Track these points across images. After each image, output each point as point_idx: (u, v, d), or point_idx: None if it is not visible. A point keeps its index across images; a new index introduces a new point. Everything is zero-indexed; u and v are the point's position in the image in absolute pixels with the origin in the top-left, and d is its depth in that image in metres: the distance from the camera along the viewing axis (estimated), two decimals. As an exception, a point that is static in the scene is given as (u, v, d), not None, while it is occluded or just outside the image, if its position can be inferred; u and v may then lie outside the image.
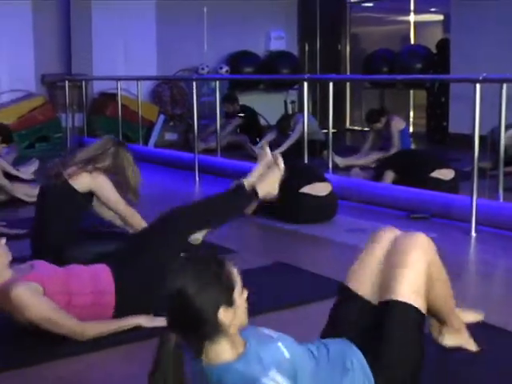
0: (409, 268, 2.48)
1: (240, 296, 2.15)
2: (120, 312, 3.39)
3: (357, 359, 2.36)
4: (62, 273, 3.39)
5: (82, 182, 4.40)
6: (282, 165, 3.92)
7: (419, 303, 2.45)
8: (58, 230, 4.37)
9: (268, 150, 4.07)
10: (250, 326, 2.23)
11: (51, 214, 4.43)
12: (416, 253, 2.53)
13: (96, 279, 3.40)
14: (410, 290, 2.44)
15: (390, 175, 6.76)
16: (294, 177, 5.22)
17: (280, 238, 5.46)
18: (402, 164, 6.87)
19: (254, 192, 3.87)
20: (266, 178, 3.89)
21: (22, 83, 11.18)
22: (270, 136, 9.70)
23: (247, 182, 3.92)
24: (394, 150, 8.37)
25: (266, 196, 3.93)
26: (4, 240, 3.25)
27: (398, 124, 8.80)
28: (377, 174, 6.97)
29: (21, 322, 3.18)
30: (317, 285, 4.15)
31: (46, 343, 3.24)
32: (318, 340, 2.49)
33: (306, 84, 6.91)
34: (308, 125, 7.27)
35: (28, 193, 6.68)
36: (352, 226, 5.64)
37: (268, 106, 12.36)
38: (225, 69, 12.25)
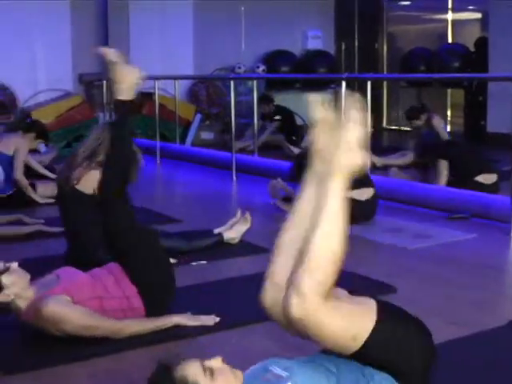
0: None
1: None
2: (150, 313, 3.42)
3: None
4: (87, 278, 3.40)
5: (90, 183, 4.28)
6: None
7: None
8: (85, 231, 4.36)
9: None
10: (258, 367, 2.21)
11: (73, 217, 4.44)
12: None
13: (120, 284, 3.41)
14: None
15: (444, 164, 6.68)
16: None
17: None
18: (454, 155, 6.79)
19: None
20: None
21: (59, 83, 11.27)
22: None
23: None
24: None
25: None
26: (16, 264, 3.24)
27: (439, 122, 8.77)
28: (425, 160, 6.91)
29: (55, 335, 3.20)
30: (353, 283, 4.11)
31: (77, 342, 3.24)
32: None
33: (344, 83, 6.87)
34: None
35: (48, 193, 6.71)
36: (390, 226, 5.60)
37: (304, 106, 12.32)
38: (261, 68, 12.25)
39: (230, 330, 3.41)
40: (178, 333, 3.33)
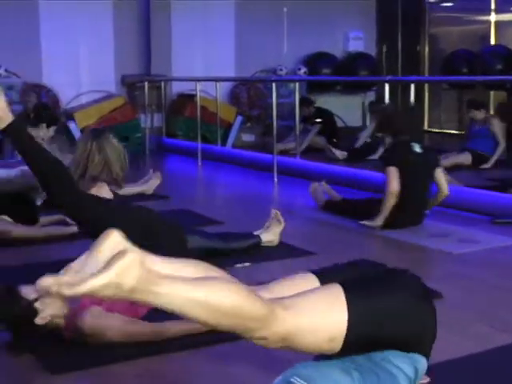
0: None
1: None
2: None
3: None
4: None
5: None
6: None
7: None
8: None
9: None
10: (280, 381, 2.17)
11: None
12: None
13: None
14: None
15: None
16: None
17: (363, 242, 5.41)
18: None
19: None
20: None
21: (102, 84, 11.35)
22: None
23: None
24: (500, 149, 8.37)
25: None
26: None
27: (499, 125, 8.77)
28: None
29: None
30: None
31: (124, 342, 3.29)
32: None
33: (387, 86, 6.84)
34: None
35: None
36: (436, 231, 5.55)
37: (345, 108, 12.32)
38: (303, 70, 12.24)
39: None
40: (221, 336, 3.32)
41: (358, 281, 2.25)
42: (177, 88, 11.82)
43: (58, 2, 10.94)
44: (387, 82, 6.92)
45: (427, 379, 2.52)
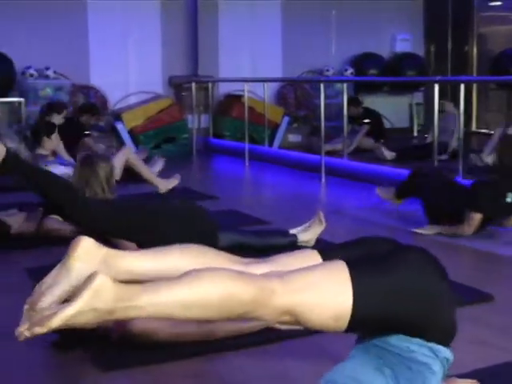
0: None
1: None
2: None
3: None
4: None
5: None
6: None
7: None
8: None
9: None
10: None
11: None
12: None
13: None
14: None
15: None
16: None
17: (419, 243, 5.31)
18: None
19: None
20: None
21: (149, 85, 11.43)
22: None
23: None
24: None
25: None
26: None
27: None
28: None
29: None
30: (466, 295, 4.00)
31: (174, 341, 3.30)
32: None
33: (436, 86, 6.76)
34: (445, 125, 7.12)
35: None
36: (510, 239, 5.40)
37: (392, 108, 12.25)
38: (350, 71, 12.19)
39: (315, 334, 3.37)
40: (270, 336, 3.32)
41: (363, 257, 2.14)
42: (224, 89, 11.86)
43: (107, 4, 11.04)
44: (437, 82, 6.84)
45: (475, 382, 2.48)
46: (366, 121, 10.66)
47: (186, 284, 1.76)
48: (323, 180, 8.13)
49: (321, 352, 3.19)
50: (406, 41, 13.13)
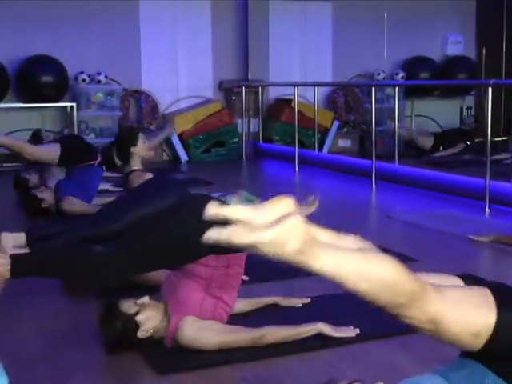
0: None
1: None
2: None
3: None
4: (187, 284, 3.38)
5: None
6: None
7: None
8: None
9: None
10: None
11: None
12: None
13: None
14: None
15: None
16: None
17: (467, 249, 5.29)
18: None
19: None
20: None
21: (200, 89, 11.48)
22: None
23: None
24: None
25: None
26: (147, 298, 3.30)
27: None
28: None
29: None
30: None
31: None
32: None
33: (490, 90, 6.67)
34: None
35: None
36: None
37: (443, 112, 12.14)
38: (401, 74, 12.11)
39: (365, 342, 3.36)
40: (328, 342, 3.32)
41: (504, 287, 2.19)
42: (273, 93, 11.87)
43: (158, 10, 11.14)
44: (491, 85, 6.75)
45: None
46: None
47: (368, 256, 1.80)
48: (373, 185, 8.08)
49: (371, 359, 3.17)
50: (457, 43, 13.00)
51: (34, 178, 7.54)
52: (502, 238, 5.30)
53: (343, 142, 11.74)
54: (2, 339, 3.52)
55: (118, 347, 3.23)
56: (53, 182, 6.77)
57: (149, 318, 3.21)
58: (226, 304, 3.36)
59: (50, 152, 6.79)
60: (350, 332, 3.36)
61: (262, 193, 7.47)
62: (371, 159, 8.21)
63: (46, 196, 6.58)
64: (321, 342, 3.30)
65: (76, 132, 10.18)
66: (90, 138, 10.26)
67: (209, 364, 3.13)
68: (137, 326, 3.17)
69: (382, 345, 3.33)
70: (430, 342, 3.23)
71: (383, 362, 3.13)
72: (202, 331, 3.21)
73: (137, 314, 3.19)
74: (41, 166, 7.21)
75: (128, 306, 3.20)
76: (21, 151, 6.76)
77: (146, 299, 3.26)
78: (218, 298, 3.34)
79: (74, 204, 6.42)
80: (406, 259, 4.85)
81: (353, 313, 3.48)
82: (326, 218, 6.24)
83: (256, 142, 11.29)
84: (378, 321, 3.52)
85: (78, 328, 3.66)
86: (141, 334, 3.17)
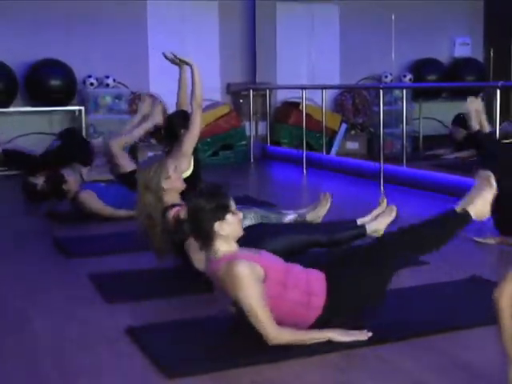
0: None
1: (233, 217, 3.31)
2: (323, 319, 3.38)
3: None
4: (283, 265, 3.41)
5: None
6: (494, 184, 3.81)
7: None
8: None
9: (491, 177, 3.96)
10: None
11: None
12: None
13: (310, 283, 3.40)
14: None
15: None
16: None
17: (478, 252, 5.27)
18: None
19: (466, 215, 3.77)
20: (478, 199, 3.78)
21: (207, 92, 11.42)
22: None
23: (459, 204, 3.83)
24: None
25: (479, 218, 3.83)
26: (241, 215, 3.41)
27: None
28: None
29: (227, 298, 3.30)
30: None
31: (242, 348, 3.32)
32: None
33: (498, 92, 6.66)
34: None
35: None
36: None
37: (450, 114, 12.09)
38: (408, 77, 12.11)
39: (376, 345, 3.35)
40: (335, 345, 3.31)
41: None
42: (281, 96, 11.87)
43: (166, 13, 11.16)
44: (499, 88, 6.73)
45: None
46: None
47: None
48: (382, 188, 8.07)
49: (382, 363, 3.16)
50: (465, 45, 12.98)
51: (41, 182, 7.58)
52: (508, 239, 5.29)
53: (351, 145, 11.73)
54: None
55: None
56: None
57: (233, 223, 3.36)
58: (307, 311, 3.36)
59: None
60: (362, 335, 3.34)
61: (270, 196, 7.49)
62: (379, 161, 8.20)
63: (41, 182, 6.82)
64: (331, 345, 3.30)
65: (84, 135, 10.20)
66: (99, 141, 10.29)
67: (217, 367, 3.12)
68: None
69: (394, 349, 3.32)
70: (443, 346, 3.24)
71: (394, 366, 3.11)
72: (254, 282, 3.18)
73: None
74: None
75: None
76: None
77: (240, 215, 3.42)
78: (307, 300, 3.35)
79: (92, 199, 6.52)
80: (416, 262, 4.83)
81: (365, 315, 3.49)
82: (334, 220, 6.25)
83: (264, 145, 11.28)
84: (390, 324, 3.54)
85: (86, 331, 3.67)
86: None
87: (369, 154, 10.85)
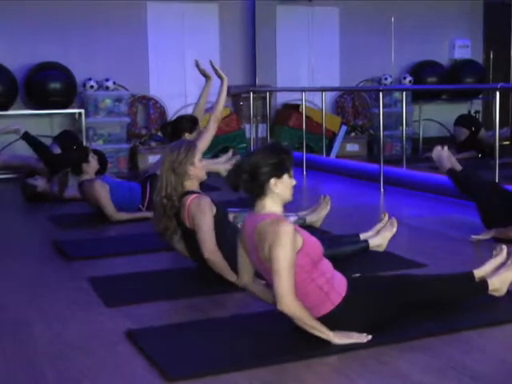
0: None
1: (289, 179, 3.36)
2: (330, 318, 3.39)
3: None
4: (320, 248, 3.42)
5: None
6: None
7: None
8: None
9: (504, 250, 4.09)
10: None
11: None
12: None
13: (334, 279, 3.42)
14: None
15: None
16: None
17: (476, 253, 5.27)
18: None
19: (484, 284, 3.86)
20: (502, 273, 3.91)
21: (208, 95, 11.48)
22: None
23: (477, 271, 3.92)
24: None
25: (495, 293, 3.92)
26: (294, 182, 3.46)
27: None
28: None
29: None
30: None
31: (244, 349, 3.33)
32: None
33: (498, 94, 6.67)
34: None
35: None
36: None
37: (450, 116, 12.10)
38: (408, 79, 12.11)
39: (375, 347, 3.36)
40: (333, 348, 3.31)
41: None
42: (281, 98, 11.88)
43: (166, 16, 11.17)
44: (498, 89, 6.73)
45: None
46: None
47: None
48: (382, 190, 8.08)
49: (381, 366, 3.16)
50: (465, 47, 12.99)
51: (41, 183, 7.67)
52: (499, 233, 5.35)
53: (351, 147, 11.74)
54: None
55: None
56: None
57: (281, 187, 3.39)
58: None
59: None
60: (361, 338, 3.34)
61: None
62: (379, 163, 8.21)
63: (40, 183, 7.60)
64: (329, 347, 3.30)
65: (84, 138, 10.21)
66: (99, 144, 10.31)
67: (216, 370, 3.12)
68: None
69: (393, 351, 3.32)
70: (442, 349, 3.24)
71: (393, 368, 3.12)
72: (291, 243, 3.22)
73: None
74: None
75: None
76: None
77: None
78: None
79: (104, 191, 6.57)
80: (414, 264, 4.84)
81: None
82: (334, 222, 6.27)
83: (264, 147, 11.27)
84: (388, 326, 3.54)
85: (86, 334, 3.67)
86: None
87: (369, 156, 10.85)
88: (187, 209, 4.42)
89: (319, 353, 3.27)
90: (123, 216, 6.56)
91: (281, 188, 3.35)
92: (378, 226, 5.05)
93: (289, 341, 3.45)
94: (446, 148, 5.94)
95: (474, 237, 5.43)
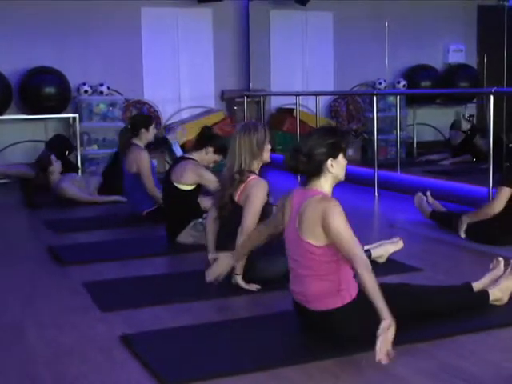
0: None
1: (343, 159, 3.48)
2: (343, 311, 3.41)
3: None
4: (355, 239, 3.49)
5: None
6: None
7: None
8: None
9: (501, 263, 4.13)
10: None
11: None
12: None
13: (351, 283, 3.45)
14: None
15: None
16: None
17: (470, 258, 5.28)
18: None
19: (485, 295, 3.91)
20: (502, 283, 3.97)
21: (202, 99, 11.51)
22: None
23: (476, 284, 3.98)
24: None
25: (496, 302, 3.95)
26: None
27: None
28: None
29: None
30: (504, 311, 3.95)
31: (240, 354, 3.34)
32: None
33: (492, 98, 6.68)
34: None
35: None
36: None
37: (444, 120, 12.13)
38: (402, 83, 12.12)
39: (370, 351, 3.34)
40: (332, 352, 3.31)
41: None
42: (275, 102, 11.89)
43: (160, 21, 11.17)
44: (492, 93, 6.75)
45: None
46: None
47: None
48: (376, 194, 8.08)
49: (376, 370, 3.16)
50: (459, 51, 13.00)
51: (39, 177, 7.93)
52: (471, 216, 5.56)
53: (345, 151, 11.73)
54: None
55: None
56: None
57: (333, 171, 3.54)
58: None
59: None
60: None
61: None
62: (373, 168, 8.22)
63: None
64: (326, 352, 3.31)
65: (78, 143, 10.20)
66: (93, 148, 10.31)
67: (213, 375, 3.13)
68: None
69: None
70: (438, 353, 3.25)
71: (389, 372, 3.12)
72: (342, 219, 3.45)
73: None
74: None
75: None
76: None
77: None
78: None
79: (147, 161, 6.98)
80: (410, 269, 4.85)
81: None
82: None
83: (258, 152, 11.27)
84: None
85: (81, 339, 3.67)
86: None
87: (363, 161, 10.84)
88: (245, 185, 4.54)
89: (317, 357, 3.28)
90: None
91: (336, 168, 3.47)
92: (384, 242, 5.09)
93: (286, 345, 3.46)
94: (428, 193, 6.13)
95: (460, 233, 5.61)
